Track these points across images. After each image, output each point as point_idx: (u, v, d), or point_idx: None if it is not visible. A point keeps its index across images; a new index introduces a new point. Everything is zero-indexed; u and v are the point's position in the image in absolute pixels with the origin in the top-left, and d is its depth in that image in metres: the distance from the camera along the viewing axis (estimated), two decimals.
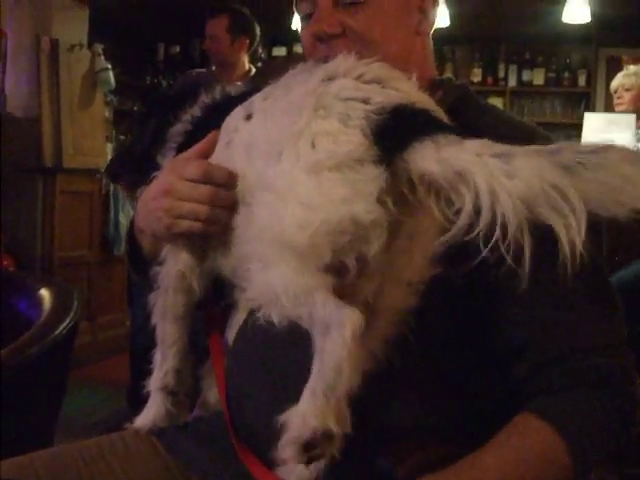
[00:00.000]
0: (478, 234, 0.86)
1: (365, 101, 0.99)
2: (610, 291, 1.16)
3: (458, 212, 0.89)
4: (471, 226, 0.87)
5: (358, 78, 1.04)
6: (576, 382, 1.08)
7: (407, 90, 1.04)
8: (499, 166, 0.87)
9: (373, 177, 0.95)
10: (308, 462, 0.95)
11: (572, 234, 0.83)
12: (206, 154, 1.22)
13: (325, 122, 0.99)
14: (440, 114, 1.03)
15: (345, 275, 0.98)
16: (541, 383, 1.10)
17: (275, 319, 0.98)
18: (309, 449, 0.93)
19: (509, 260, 0.86)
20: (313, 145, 0.98)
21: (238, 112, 1.21)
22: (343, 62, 1.07)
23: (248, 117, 1.17)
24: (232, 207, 1.15)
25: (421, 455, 1.09)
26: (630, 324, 1.17)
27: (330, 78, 1.04)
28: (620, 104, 4.59)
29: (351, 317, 0.92)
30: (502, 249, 0.85)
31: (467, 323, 1.14)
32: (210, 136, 1.22)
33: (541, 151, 0.88)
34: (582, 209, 0.83)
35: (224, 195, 1.14)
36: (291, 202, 0.97)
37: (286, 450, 0.94)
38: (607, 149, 0.86)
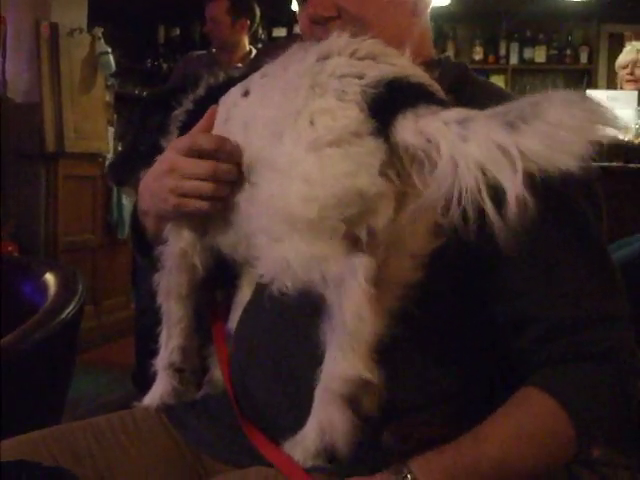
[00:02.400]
0: (445, 200, 0.88)
1: (360, 77, 1.00)
2: (611, 264, 1.16)
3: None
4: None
5: (352, 55, 1.04)
6: (579, 354, 1.09)
7: (401, 64, 1.05)
8: (457, 131, 0.88)
9: (373, 150, 0.96)
10: (354, 418, 1.00)
11: (516, 189, 0.84)
12: (208, 131, 1.23)
13: (322, 100, 1.00)
14: (435, 87, 1.03)
15: (356, 246, 0.99)
16: (543, 356, 1.11)
17: (288, 287, 0.99)
18: (353, 403, 0.99)
19: (473, 223, 0.87)
20: (312, 123, 0.99)
21: (236, 89, 1.22)
22: (337, 40, 1.08)
23: (245, 93, 1.18)
24: (234, 181, 1.16)
25: (425, 431, 1.10)
26: (633, 303, 1.17)
27: (325, 57, 1.05)
28: (632, 81, 4.37)
29: (363, 262, 0.95)
30: (470, 214, 0.87)
31: (469, 297, 1.14)
32: (209, 112, 1.23)
33: (495, 112, 0.89)
34: (519, 164, 0.84)
35: (226, 169, 1.15)
36: (295, 179, 0.98)
37: (330, 409, 1.00)
38: (544, 99, 0.87)
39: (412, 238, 1.03)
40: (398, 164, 0.97)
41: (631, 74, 4.38)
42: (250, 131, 1.13)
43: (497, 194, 0.86)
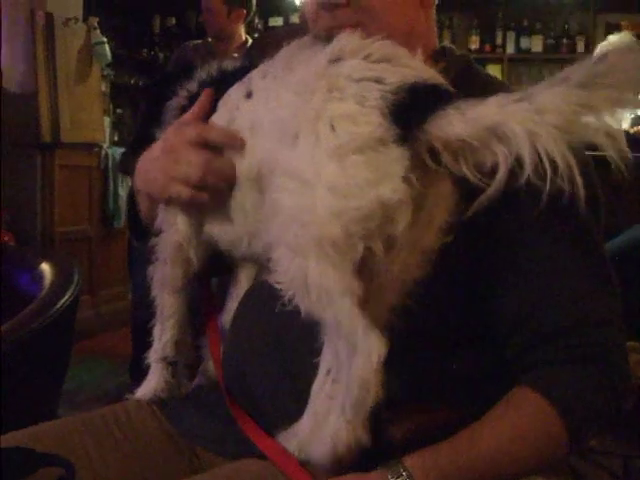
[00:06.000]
0: (525, 181, 0.89)
1: (378, 81, 0.99)
2: (607, 266, 1.16)
3: (492, 172, 0.92)
4: (511, 178, 0.90)
5: (366, 58, 1.03)
6: (572, 356, 1.10)
7: (417, 67, 1.04)
8: (526, 107, 0.89)
9: (396, 157, 0.95)
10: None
11: (618, 144, 0.88)
12: (204, 113, 1.24)
13: (342, 104, 0.99)
14: (450, 88, 1.03)
15: (372, 259, 0.99)
16: (537, 356, 1.11)
17: (302, 309, 1.00)
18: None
19: (565, 187, 0.89)
20: (333, 128, 0.97)
21: (237, 89, 1.21)
22: (348, 41, 1.06)
23: (248, 95, 1.18)
24: (228, 178, 1.16)
25: (418, 418, 1.10)
26: (624, 292, 1.18)
27: (337, 58, 1.04)
28: None
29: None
30: (557, 182, 0.89)
31: (469, 294, 1.15)
32: (204, 96, 1.23)
33: (554, 81, 0.91)
34: (615, 116, 0.87)
35: (219, 163, 1.16)
36: (319, 188, 0.97)
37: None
38: (606, 55, 0.90)
39: (426, 235, 1.03)
40: (423, 166, 0.96)
41: None
42: (257, 133, 1.13)
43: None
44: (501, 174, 0.90)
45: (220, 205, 1.21)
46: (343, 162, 0.96)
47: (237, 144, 1.16)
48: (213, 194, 1.19)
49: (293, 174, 1.00)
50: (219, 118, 1.23)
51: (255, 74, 1.19)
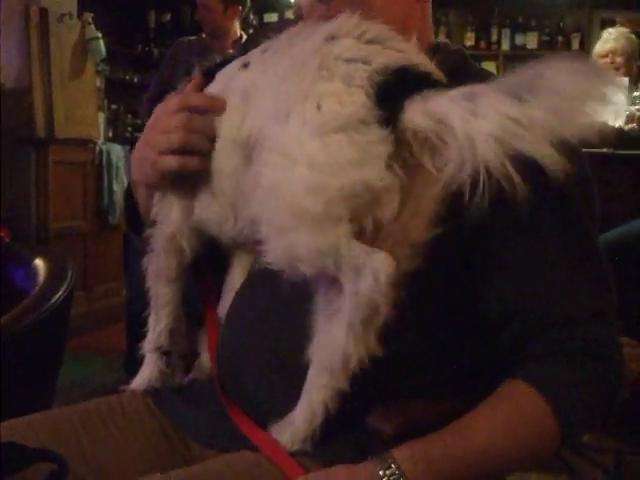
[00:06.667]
0: (466, 181, 0.88)
1: (366, 62, 0.99)
2: (601, 259, 1.16)
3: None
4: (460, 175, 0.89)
5: (360, 37, 1.03)
6: (566, 350, 1.09)
7: (408, 51, 1.04)
8: (466, 106, 0.88)
9: (379, 139, 0.95)
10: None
11: (553, 160, 0.85)
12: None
13: (330, 83, 0.99)
14: (440, 77, 1.03)
15: (361, 237, 0.99)
16: (530, 350, 1.11)
17: (303, 274, 1.00)
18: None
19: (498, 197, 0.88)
20: (319, 107, 0.98)
21: (233, 64, 1.22)
22: (346, 21, 1.07)
23: (245, 65, 1.18)
24: (211, 137, 1.18)
25: (409, 414, 1.10)
26: (623, 285, 1.18)
27: (333, 36, 1.04)
28: (613, 69, 4.18)
29: (385, 262, 0.96)
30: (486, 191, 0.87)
31: (460, 287, 1.14)
32: (193, 81, 1.25)
33: (502, 83, 0.90)
34: (543, 135, 0.85)
35: (200, 121, 1.17)
36: (299, 164, 0.97)
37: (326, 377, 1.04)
38: (546, 67, 0.89)
39: (414, 228, 1.03)
40: (405, 154, 0.96)
41: (612, 62, 4.22)
42: (251, 99, 1.13)
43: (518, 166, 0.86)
44: (449, 168, 0.89)
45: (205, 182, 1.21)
46: (325, 140, 0.96)
47: (219, 106, 1.17)
48: (201, 159, 1.19)
49: (279, 150, 1.01)
50: (213, 88, 1.24)
51: (255, 50, 1.20)
